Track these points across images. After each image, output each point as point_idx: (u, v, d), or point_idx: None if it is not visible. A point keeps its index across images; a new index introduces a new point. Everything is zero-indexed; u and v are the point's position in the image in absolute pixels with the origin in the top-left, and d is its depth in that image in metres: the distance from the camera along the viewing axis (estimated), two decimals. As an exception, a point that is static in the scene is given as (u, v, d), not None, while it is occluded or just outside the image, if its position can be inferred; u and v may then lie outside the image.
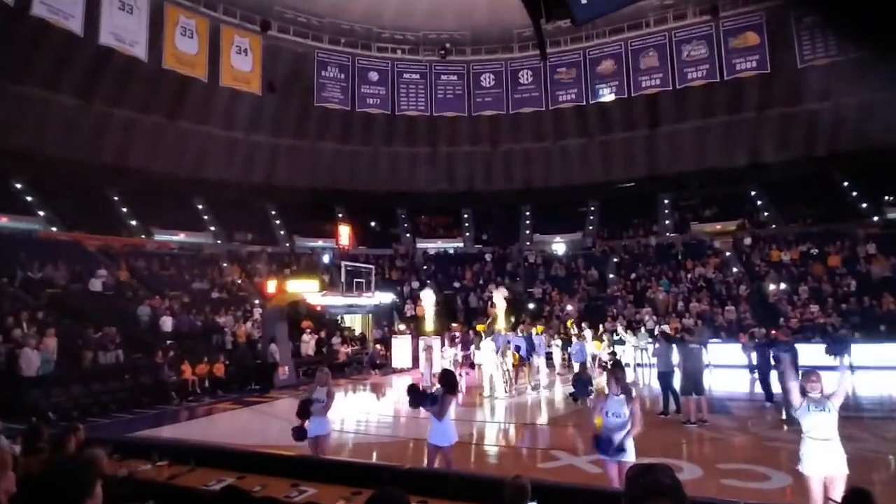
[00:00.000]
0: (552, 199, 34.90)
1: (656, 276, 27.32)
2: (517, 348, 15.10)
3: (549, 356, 19.43)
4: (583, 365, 13.86)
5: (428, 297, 16.40)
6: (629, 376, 15.81)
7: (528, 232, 37.22)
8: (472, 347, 16.53)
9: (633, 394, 5.73)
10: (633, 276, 28.27)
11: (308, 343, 20.73)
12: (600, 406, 5.66)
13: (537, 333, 16.95)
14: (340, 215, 36.29)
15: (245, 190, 32.32)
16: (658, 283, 26.47)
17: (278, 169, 34.40)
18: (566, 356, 19.90)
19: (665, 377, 11.58)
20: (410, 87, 30.58)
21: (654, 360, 13.50)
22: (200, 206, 33.48)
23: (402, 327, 23.81)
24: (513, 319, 20.74)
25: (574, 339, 16.84)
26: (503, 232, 35.58)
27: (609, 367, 14.28)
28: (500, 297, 16.16)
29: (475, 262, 32.78)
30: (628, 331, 18.93)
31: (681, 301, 24.56)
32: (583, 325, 17.90)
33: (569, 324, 18.08)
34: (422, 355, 17.70)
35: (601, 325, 19.77)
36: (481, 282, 30.48)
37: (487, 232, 36.85)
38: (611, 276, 29.58)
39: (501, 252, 33.91)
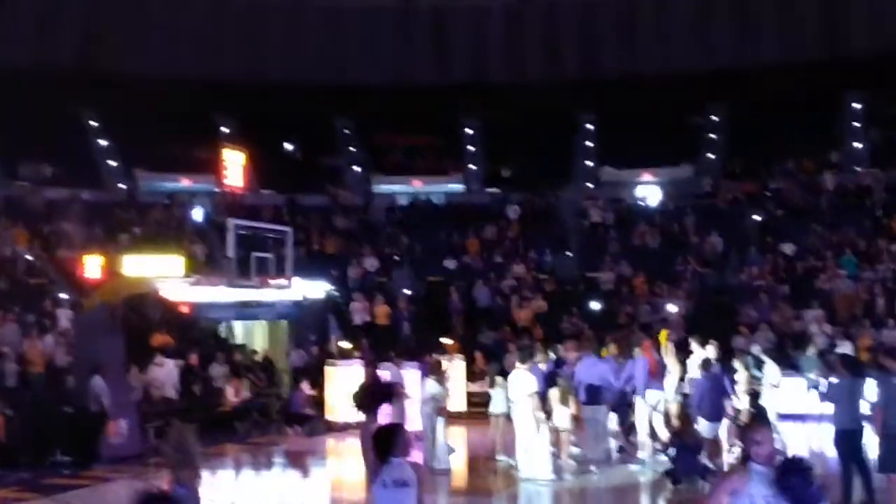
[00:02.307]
0: (636, 100, 34.77)
1: (834, 250, 27.45)
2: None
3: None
4: (686, 415, 13.91)
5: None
6: (777, 437, 15.94)
7: (588, 163, 37.10)
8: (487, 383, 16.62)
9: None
10: (789, 248, 28.39)
11: (166, 375, 20.71)
12: (733, 490, 5.62)
13: (605, 356, 16.99)
14: (226, 130, 35.98)
15: (40, 81, 31.87)
16: (838, 261, 26.59)
17: (103, 39, 33.78)
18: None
19: (848, 439, 11.61)
20: None
21: (828, 408, 13.56)
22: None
23: (347, 345, 23.77)
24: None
25: (670, 364, 16.89)
26: (541, 163, 35.48)
27: (744, 420, 14.49)
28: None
29: (488, 222, 32.86)
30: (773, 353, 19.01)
31: (880, 297, 24.68)
32: (690, 341, 17.94)
33: (662, 339, 18.05)
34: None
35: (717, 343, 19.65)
36: (499, 259, 30.55)
37: (511, 163, 36.68)
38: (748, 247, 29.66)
39: (538, 201, 33.94)
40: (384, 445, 6.10)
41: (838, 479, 11.77)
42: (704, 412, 13.89)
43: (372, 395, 6.50)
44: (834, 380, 12.38)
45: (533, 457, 14.40)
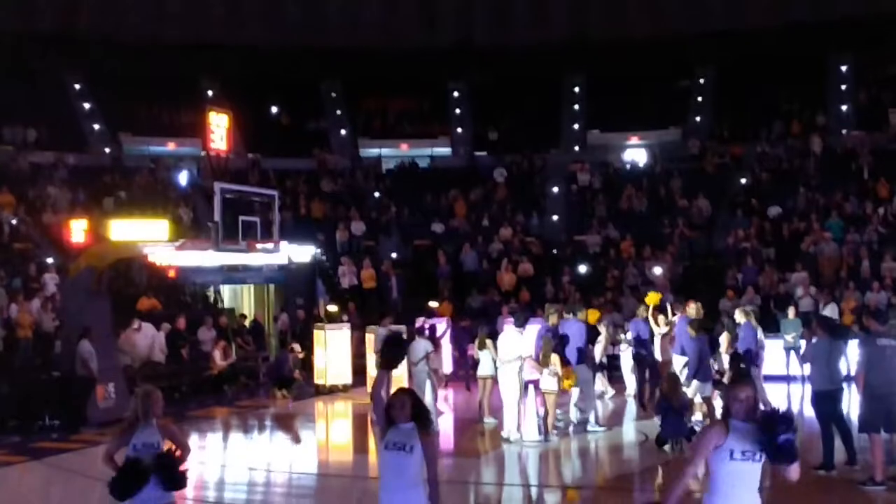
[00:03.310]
0: (623, 63, 34.75)
1: (820, 212, 27.61)
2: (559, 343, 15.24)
3: (611, 362, 19.67)
4: (674, 377, 14.02)
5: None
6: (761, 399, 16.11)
7: (576, 127, 37.11)
8: (476, 346, 16.66)
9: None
10: (775, 210, 28.56)
11: (152, 340, 20.76)
12: (715, 445, 5.72)
13: (588, 320, 17.05)
14: (211, 94, 35.79)
15: (23, 44, 31.60)
16: (823, 224, 26.76)
17: (85, 1, 33.45)
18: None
19: (826, 400, 11.75)
20: None
21: (807, 370, 13.67)
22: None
23: (334, 309, 23.86)
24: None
25: (657, 326, 17.01)
26: (528, 127, 35.45)
27: (726, 379, 14.61)
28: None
29: (475, 185, 32.93)
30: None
31: (865, 258, 24.86)
32: (671, 304, 18.10)
33: (649, 301, 18.15)
34: (374, 363, 17.79)
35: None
36: (486, 223, 30.65)
37: (498, 126, 36.60)
38: (734, 210, 29.81)
39: (525, 165, 33.96)
40: (390, 409, 6.08)
41: (819, 440, 11.93)
42: (700, 374, 14.01)
43: (397, 347, 6.44)
44: (814, 339, 12.49)
45: (520, 418, 14.54)
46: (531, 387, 14.43)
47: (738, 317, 16.20)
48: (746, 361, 14.72)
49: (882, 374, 10.95)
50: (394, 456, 5.97)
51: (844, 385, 11.93)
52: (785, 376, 19.99)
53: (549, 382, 14.29)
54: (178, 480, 6.92)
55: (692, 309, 16.07)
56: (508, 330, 15.13)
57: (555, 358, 14.25)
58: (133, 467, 6.79)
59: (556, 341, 14.56)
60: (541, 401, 14.40)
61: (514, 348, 14.59)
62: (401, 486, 5.94)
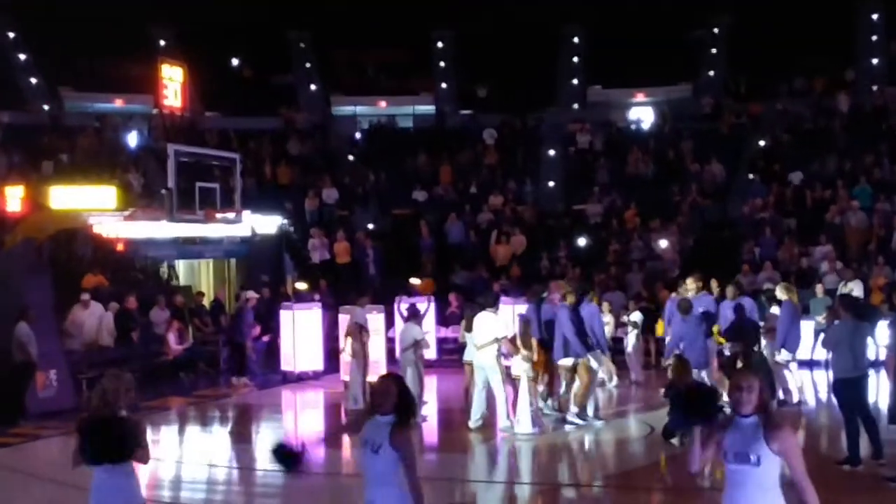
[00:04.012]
0: (628, 10, 34.63)
1: (846, 178, 27.67)
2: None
3: (616, 345, 19.71)
4: (683, 362, 14.07)
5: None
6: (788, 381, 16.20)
7: (575, 82, 37.06)
8: (462, 327, 16.72)
9: (778, 415, 5.82)
10: (796, 176, 28.62)
11: (99, 321, 20.74)
12: (717, 440, 5.80)
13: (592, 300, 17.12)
14: (164, 44, 35.56)
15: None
16: (851, 192, 26.84)
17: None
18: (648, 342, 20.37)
19: (848, 387, 11.82)
20: None
21: (828, 354, 13.80)
22: None
23: (304, 286, 23.84)
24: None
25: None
26: (522, 82, 35.40)
27: (732, 365, 14.64)
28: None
29: (461, 148, 32.90)
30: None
31: (898, 230, 25.01)
32: (689, 281, 18.15)
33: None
34: (346, 346, 17.88)
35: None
36: (474, 190, 30.64)
37: (488, 82, 36.50)
38: (750, 176, 29.93)
39: (518, 125, 33.91)
40: (373, 396, 6.19)
41: (842, 432, 12.04)
42: (693, 358, 14.11)
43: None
44: (836, 322, 12.50)
45: (508, 408, 14.61)
46: (523, 375, 14.52)
47: (780, 293, 16.18)
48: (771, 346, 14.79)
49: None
50: (363, 454, 6.13)
51: (871, 371, 12.01)
52: (809, 361, 20.03)
53: (519, 367, 14.40)
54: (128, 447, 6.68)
55: (691, 285, 16.16)
56: (486, 315, 15.10)
57: (532, 342, 14.41)
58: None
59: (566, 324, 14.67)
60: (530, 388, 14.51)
61: (489, 331, 14.58)
62: (373, 485, 6.09)
